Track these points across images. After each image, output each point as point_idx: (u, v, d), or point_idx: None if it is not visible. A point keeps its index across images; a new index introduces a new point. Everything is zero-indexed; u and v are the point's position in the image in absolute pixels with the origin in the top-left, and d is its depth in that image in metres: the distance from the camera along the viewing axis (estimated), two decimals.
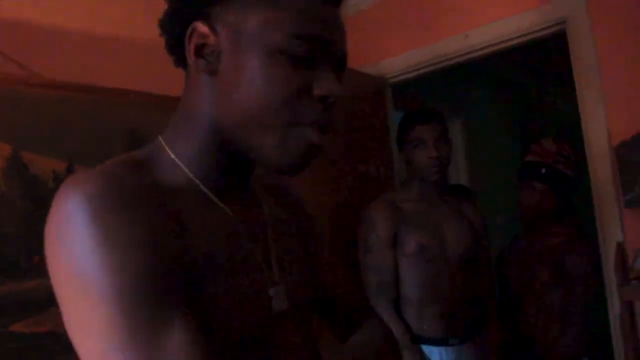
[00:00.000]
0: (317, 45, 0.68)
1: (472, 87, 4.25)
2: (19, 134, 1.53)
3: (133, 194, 0.61)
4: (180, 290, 0.59)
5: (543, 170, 2.23)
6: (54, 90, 1.62)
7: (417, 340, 1.87)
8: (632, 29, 1.99)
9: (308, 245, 0.87)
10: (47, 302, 1.48)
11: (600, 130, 2.05)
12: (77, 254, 0.56)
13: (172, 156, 0.72)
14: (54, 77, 1.63)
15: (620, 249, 1.92)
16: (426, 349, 1.86)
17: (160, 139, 0.75)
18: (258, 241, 0.75)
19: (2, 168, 1.49)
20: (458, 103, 4.15)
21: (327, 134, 0.71)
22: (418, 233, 1.90)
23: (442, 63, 2.60)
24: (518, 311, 2.29)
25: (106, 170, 0.63)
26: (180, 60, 0.74)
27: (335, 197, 2.32)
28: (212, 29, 0.69)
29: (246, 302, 0.67)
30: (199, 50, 0.69)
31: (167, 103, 1.83)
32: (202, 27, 0.69)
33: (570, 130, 2.42)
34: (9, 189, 1.49)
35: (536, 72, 4.39)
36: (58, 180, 1.58)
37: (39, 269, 1.49)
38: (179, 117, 0.75)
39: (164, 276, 0.58)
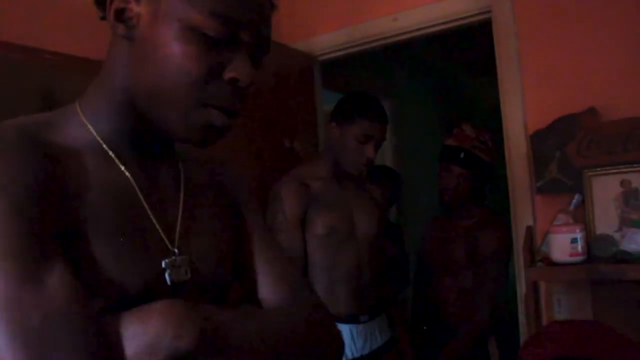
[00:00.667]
0: (233, 27, 0.66)
1: (400, 70, 4.31)
2: None
3: (22, 143, 0.62)
4: (60, 240, 0.60)
5: (462, 155, 2.29)
6: None
7: None
8: (552, 20, 2.07)
9: (233, 217, 0.85)
10: None
11: (517, 119, 2.14)
12: None
13: (81, 116, 0.72)
14: None
15: (530, 232, 2.01)
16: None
17: (77, 101, 0.74)
18: (162, 209, 0.73)
19: None
20: (386, 84, 4.21)
21: (235, 117, 0.70)
22: (328, 214, 1.88)
23: (372, 43, 2.62)
24: (432, 290, 2.36)
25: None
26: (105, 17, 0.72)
27: (259, 171, 2.30)
28: None
29: (134, 267, 0.66)
30: (119, 15, 0.68)
31: (87, 65, 1.77)
32: None
33: (492, 119, 2.50)
34: None
35: (463, 60, 4.51)
36: None
37: None
38: (97, 79, 0.74)
39: (44, 219, 0.59)
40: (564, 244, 1.73)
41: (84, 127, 0.71)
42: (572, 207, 1.88)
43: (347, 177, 1.99)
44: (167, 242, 0.72)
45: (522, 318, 2.11)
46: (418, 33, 2.50)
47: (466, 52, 4.13)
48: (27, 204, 0.58)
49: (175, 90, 0.66)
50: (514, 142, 2.15)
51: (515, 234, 2.14)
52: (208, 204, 0.81)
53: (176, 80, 0.65)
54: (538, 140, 2.01)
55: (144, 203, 0.71)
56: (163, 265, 0.70)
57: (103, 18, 0.72)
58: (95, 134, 0.71)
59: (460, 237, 2.30)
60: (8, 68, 1.61)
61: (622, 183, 1.83)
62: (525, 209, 2.12)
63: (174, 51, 0.65)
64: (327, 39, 2.69)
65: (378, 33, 2.55)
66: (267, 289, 0.83)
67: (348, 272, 1.89)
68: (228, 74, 0.67)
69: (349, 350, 1.87)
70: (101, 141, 0.70)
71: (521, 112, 2.13)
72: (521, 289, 2.08)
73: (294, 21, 2.68)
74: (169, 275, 0.70)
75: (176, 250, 0.72)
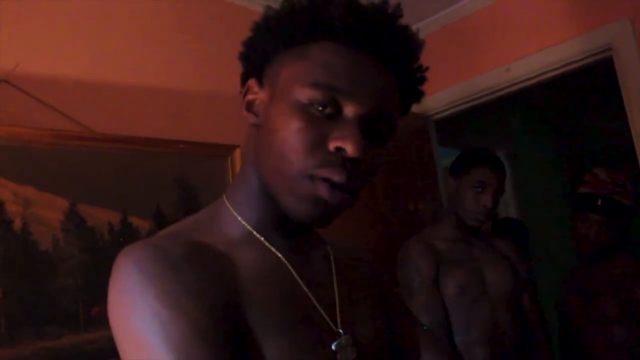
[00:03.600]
0: (335, 95, 0.66)
1: (515, 117, 4.20)
2: (75, 188, 1.57)
3: (174, 258, 0.63)
4: (233, 345, 0.61)
5: (599, 202, 2.16)
6: (106, 143, 1.67)
7: None
8: None
9: (381, 298, 0.85)
10: (108, 354, 1.50)
11: None
12: (132, 313, 0.60)
13: (231, 210, 0.74)
14: (105, 131, 1.68)
15: None
16: None
17: (224, 194, 0.78)
18: (320, 290, 0.73)
19: (61, 222, 1.53)
20: (501, 134, 4.11)
21: (352, 195, 0.68)
22: (457, 273, 1.83)
23: (485, 97, 2.60)
24: (581, 347, 2.20)
25: (154, 241, 0.67)
26: None
27: (385, 237, 2.30)
28: (262, 85, 0.72)
29: (307, 357, 0.66)
30: (250, 106, 0.73)
31: (212, 151, 1.90)
32: (253, 84, 0.73)
33: (620, 158, 2.36)
34: (67, 242, 1.53)
35: (580, 99, 4.32)
36: (113, 232, 1.61)
37: (98, 321, 1.51)
38: (239, 173, 0.78)
39: (218, 330, 0.60)
40: None
41: (236, 220, 0.73)
42: None
43: (474, 234, 1.94)
44: (331, 324, 0.71)
45: None
46: (533, 81, 2.45)
47: (585, 91, 3.95)
48: (207, 325, 0.59)
49: (283, 162, 0.66)
50: None
51: None
52: (359, 284, 0.82)
53: (281, 154, 0.66)
54: None
55: (303, 286, 0.71)
56: (333, 347, 0.69)
57: None
58: (246, 225, 0.73)
59: (608, 289, 2.14)
60: (149, 159, 1.75)
61: None
62: None
63: (283, 129, 0.66)
64: (440, 97, 2.69)
65: (491, 86, 2.52)
66: None
67: (484, 334, 1.81)
68: (332, 143, 0.65)
69: None
70: (253, 231, 0.72)
71: None
72: None
73: None
74: (340, 357, 0.69)
75: (341, 331, 0.71)
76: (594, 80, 3.20)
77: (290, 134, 0.65)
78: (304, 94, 0.66)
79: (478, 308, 1.83)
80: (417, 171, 2.58)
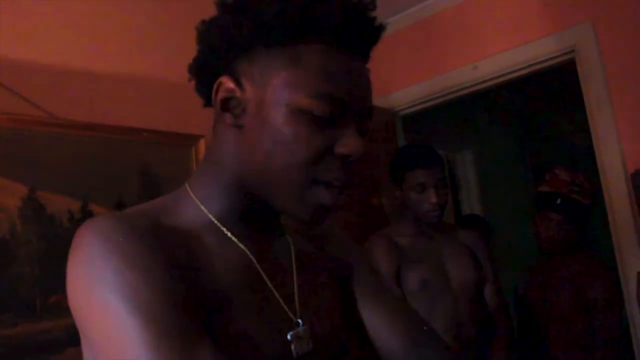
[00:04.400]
0: (339, 104, 0.67)
1: (481, 117, 4.26)
2: (35, 174, 1.54)
3: (141, 230, 0.63)
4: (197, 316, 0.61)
5: (559, 201, 2.21)
6: (68, 129, 1.64)
7: None
8: None
9: (344, 284, 0.85)
10: (64, 342, 1.48)
11: (614, 158, 2.05)
12: (100, 280, 0.59)
13: (195, 199, 0.74)
14: (68, 117, 1.65)
15: None
16: None
17: (187, 184, 0.77)
18: (280, 281, 0.74)
19: (19, 208, 1.50)
20: (468, 132, 4.16)
21: (345, 192, 0.71)
22: (419, 268, 1.86)
23: (452, 94, 2.62)
24: (539, 341, 2.25)
25: (119, 214, 0.67)
26: (209, 103, 0.75)
27: (348, 230, 2.31)
28: (238, 83, 0.70)
29: (261, 344, 0.66)
30: (225, 104, 0.71)
31: (177, 140, 1.88)
32: (228, 82, 0.70)
33: (581, 158, 2.41)
34: (25, 228, 1.50)
35: (545, 100, 4.41)
36: (73, 220, 1.58)
37: (56, 310, 1.48)
38: (205, 163, 0.77)
39: (184, 296, 0.60)
40: None
41: (198, 209, 0.73)
42: None
43: (436, 229, 1.97)
44: (289, 313, 0.72)
45: None
46: (500, 80, 2.48)
47: (550, 91, 4.03)
48: (172, 290, 0.59)
49: (289, 172, 0.67)
50: (613, 183, 2.05)
51: (624, 280, 2.02)
52: (320, 273, 0.82)
53: (289, 161, 0.67)
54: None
55: (264, 276, 0.72)
56: (289, 337, 0.69)
57: (206, 105, 0.76)
58: (209, 214, 0.73)
59: (565, 285, 2.19)
60: (112, 147, 1.72)
61: None
62: (632, 253, 2.00)
63: (285, 134, 0.66)
64: (407, 93, 2.71)
65: (458, 83, 2.55)
66: (396, 335, 0.81)
67: (446, 326, 1.84)
68: (339, 150, 0.68)
69: None
70: (216, 221, 0.73)
71: (618, 151, 2.04)
72: (638, 339, 1.94)
73: (374, 77, 2.72)
74: (294, 347, 0.69)
75: (299, 321, 0.72)
76: (559, 80, 3.27)
77: (297, 144, 0.66)
78: (306, 103, 0.66)
79: (440, 301, 1.86)
80: (383, 166, 2.60)
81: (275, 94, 0.68)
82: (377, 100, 2.69)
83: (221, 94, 0.71)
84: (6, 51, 1.61)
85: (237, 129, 0.71)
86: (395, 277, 1.86)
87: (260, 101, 0.69)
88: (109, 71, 1.84)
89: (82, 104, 1.73)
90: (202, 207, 0.73)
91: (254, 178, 0.71)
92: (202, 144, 1.92)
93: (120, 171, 1.74)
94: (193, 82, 0.78)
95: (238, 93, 0.70)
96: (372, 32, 0.72)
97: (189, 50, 0.78)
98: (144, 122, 1.83)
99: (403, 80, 2.72)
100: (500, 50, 2.40)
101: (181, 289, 0.60)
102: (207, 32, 0.73)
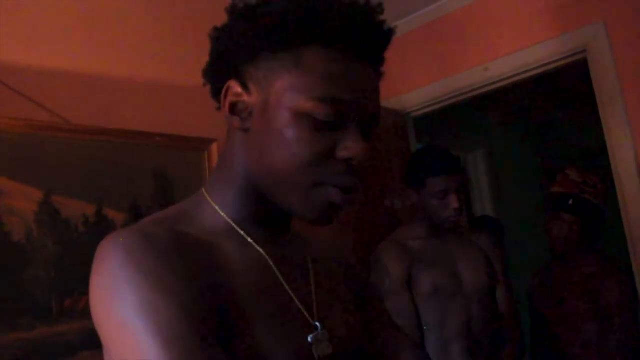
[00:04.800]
0: (342, 108, 0.68)
1: (493, 117, 4.25)
2: (50, 179, 1.56)
3: (164, 245, 0.64)
4: (218, 333, 0.61)
5: (570, 202, 2.20)
6: (83, 135, 1.65)
7: None
8: None
9: (359, 292, 0.86)
10: (78, 346, 1.49)
11: (628, 158, 2.04)
12: (118, 298, 0.59)
13: (212, 204, 0.75)
14: (82, 122, 1.67)
15: None
16: None
17: (203, 189, 0.78)
18: (298, 284, 0.75)
19: (35, 212, 1.51)
20: (479, 132, 4.15)
21: (352, 194, 0.71)
22: (431, 272, 1.85)
23: (463, 95, 2.62)
24: (552, 343, 2.24)
25: (138, 227, 0.68)
26: None
27: (362, 236, 2.31)
28: (245, 87, 0.72)
29: (283, 348, 0.67)
30: (233, 108, 0.73)
31: (190, 144, 1.89)
32: (235, 86, 0.72)
33: (593, 158, 2.40)
34: (41, 233, 1.51)
35: (556, 100, 4.38)
36: (88, 224, 1.60)
37: (71, 313, 1.50)
38: (219, 168, 0.79)
39: (205, 316, 0.60)
40: None
41: (217, 214, 0.74)
42: None
43: (448, 231, 1.96)
44: (308, 316, 0.72)
45: None
46: (510, 81, 2.48)
47: (561, 91, 4.01)
48: (191, 308, 0.59)
49: (293, 174, 0.68)
50: (627, 184, 2.04)
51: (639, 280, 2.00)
52: (336, 280, 0.83)
53: (293, 165, 0.67)
54: None
55: (282, 279, 0.73)
56: (309, 340, 0.70)
57: (219, 108, 0.77)
58: (227, 218, 0.74)
59: (578, 287, 2.18)
60: (125, 151, 1.74)
61: None
62: None
63: (287, 137, 0.67)
64: (419, 94, 2.71)
65: (469, 85, 2.55)
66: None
67: (458, 329, 1.84)
68: (341, 154, 0.68)
69: None
70: (235, 225, 0.74)
71: (632, 152, 2.02)
72: None
73: (385, 79, 2.72)
74: (315, 350, 0.70)
75: (318, 324, 0.72)
76: (570, 80, 3.25)
77: (299, 146, 0.67)
78: (309, 107, 0.67)
79: (453, 305, 1.85)
80: (395, 168, 2.60)
81: (278, 98, 0.69)
82: (389, 102, 2.69)
83: (229, 98, 0.72)
84: (21, 58, 1.62)
85: (245, 133, 0.72)
86: (406, 282, 1.85)
87: (265, 104, 0.70)
88: (122, 77, 1.85)
89: (96, 109, 1.75)
90: (221, 212, 0.74)
91: (263, 180, 0.72)
92: (214, 147, 1.93)
93: (134, 175, 1.75)
94: (205, 87, 0.79)
95: (245, 97, 0.72)
96: (379, 36, 0.72)
97: (202, 54, 0.80)
98: (157, 127, 1.84)
99: (414, 82, 2.72)
100: (511, 51, 2.40)
101: (200, 305, 0.60)
102: (216, 38, 0.75)
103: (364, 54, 0.71)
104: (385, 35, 0.73)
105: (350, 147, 0.68)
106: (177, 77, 1.95)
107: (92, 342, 0.64)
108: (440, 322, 1.83)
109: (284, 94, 0.68)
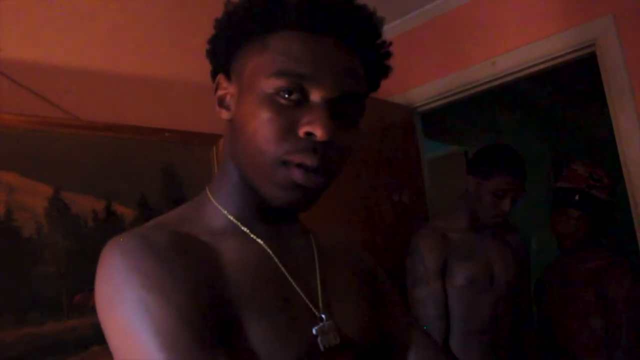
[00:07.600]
0: (299, 82, 0.67)
1: (500, 111, 4.23)
2: (60, 175, 1.57)
3: (161, 246, 0.65)
4: (218, 331, 0.62)
5: (577, 197, 2.18)
6: (91, 131, 1.66)
7: None
8: None
9: (368, 284, 0.86)
10: (89, 341, 1.50)
11: (637, 152, 2.02)
12: (117, 301, 0.61)
13: (214, 202, 0.77)
14: (91, 118, 1.68)
15: None
16: None
17: (207, 188, 0.80)
18: (303, 277, 0.75)
19: (45, 208, 1.53)
20: (486, 127, 4.13)
21: (319, 175, 0.69)
22: (467, 266, 1.87)
23: (470, 90, 2.60)
24: (560, 338, 2.23)
25: (141, 231, 0.69)
26: None
27: (371, 229, 2.31)
28: (230, 80, 0.75)
29: (287, 340, 0.67)
30: (222, 101, 0.75)
31: (198, 140, 1.90)
32: (222, 80, 0.76)
33: (602, 152, 2.38)
34: (51, 228, 1.53)
35: (564, 94, 4.35)
36: (97, 219, 1.61)
37: (81, 308, 1.51)
38: (220, 165, 0.83)
39: (202, 316, 0.61)
40: None
41: (219, 211, 0.76)
42: None
43: (485, 226, 1.97)
44: (312, 308, 0.72)
45: None
46: (518, 75, 2.46)
47: (569, 85, 3.98)
48: (189, 311, 0.60)
49: (257, 154, 0.68)
50: (636, 176, 2.03)
51: None
52: (342, 269, 0.83)
53: (256, 144, 0.68)
54: None
55: (285, 272, 0.73)
56: (314, 332, 0.70)
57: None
58: (229, 215, 0.75)
59: (585, 282, 2.17)
60: (134, 147, 1.75)
61: None
62: None
63: (253, 120, 0.68)
64: (426, 89, 2.70)
65: (477, 79, 2.53)
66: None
67: (483, 323, 1.86)
68: (302, 129, 0.67)
69: None
70: (235, 221, 0.75)
71: None
72: None
73: (392, 74, 2.72)
74: (321, 341, 0.70)
75: (323, 316, 0.72)
76: (579, 74, 3.23)
77: (261, 125, 0.67)
78: (269, 84, 0.67)
79: (482, 299, 1.88)
80: (402, 162, 2.59)
81: (247, 83, 0.70)
82: (396, 97, 2.69)
83: (218, 92, 0.75)
84: (29, 54, 1.63)
85: (230, 124, 0.74)
86: (440, 271, 1.86)
87: (240, 92, 0.72)
88: (130, 72, 1.86)
89: (104, 105, 1.76)
90: (222, 210, 0.76)
91: (242, 168, 0.73)
92: (222, 142, 1.94)
93: (142, 171, 1.76)
94: (213, 82, 0.80)
95: (229, 89, 0.74)
96: (344, 15, 0.71)
97: None
98: (166, 123, 1.85)
99: (421, 77, 2.71)
100: (519, 45, 2.38)
101: (198, 304, 0.62)
102: (209, 40, 0.78)
103: (340, 35, 0.70)
104: (359, 18, 0.72)
105: (311, 121, 0.66)
106: (185, 73, 1.96)
107: (103, 336, 0.65)
108: (467, 315, 1.86)
109: (251, 78, 0.70)
